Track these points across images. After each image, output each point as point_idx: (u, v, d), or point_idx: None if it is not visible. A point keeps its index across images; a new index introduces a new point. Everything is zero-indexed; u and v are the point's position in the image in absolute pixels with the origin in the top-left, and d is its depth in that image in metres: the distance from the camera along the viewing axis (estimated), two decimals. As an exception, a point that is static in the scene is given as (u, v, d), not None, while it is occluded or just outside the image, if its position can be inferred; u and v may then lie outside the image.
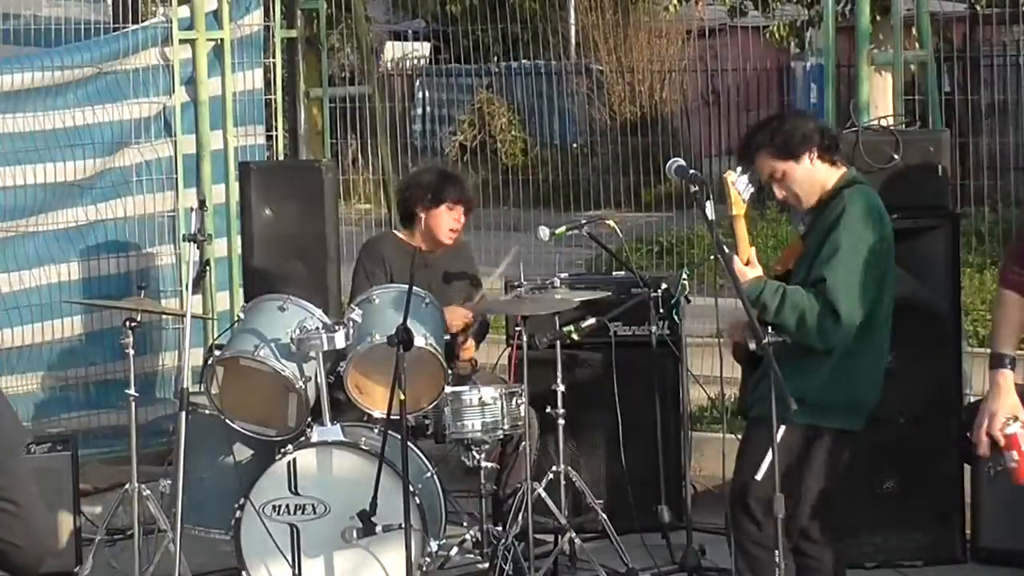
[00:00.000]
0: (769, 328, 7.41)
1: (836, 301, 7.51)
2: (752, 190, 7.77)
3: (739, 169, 7.76)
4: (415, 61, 23.96)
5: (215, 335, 10.66)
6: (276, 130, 12.74)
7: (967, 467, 9.80)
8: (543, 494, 9.56)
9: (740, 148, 8.08)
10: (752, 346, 7.43)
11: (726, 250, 7.74)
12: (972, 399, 10.23)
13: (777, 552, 7.19)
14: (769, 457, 7.35)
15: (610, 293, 10.18)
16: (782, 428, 7.41)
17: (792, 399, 7.13)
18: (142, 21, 12.28)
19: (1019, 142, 16.12)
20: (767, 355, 7.25)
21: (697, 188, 7.66)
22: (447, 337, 9.57)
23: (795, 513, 7.69)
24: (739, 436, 10.07)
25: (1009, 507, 9.62)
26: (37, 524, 3.63)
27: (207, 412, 9.53)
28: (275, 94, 12.70)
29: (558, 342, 9.70)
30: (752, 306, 7.46)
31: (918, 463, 9.39)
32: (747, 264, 7.63)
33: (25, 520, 3.55)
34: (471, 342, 10.17)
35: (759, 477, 7.40)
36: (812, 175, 7.84)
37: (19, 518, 3.55)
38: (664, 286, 10.23)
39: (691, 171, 7.87)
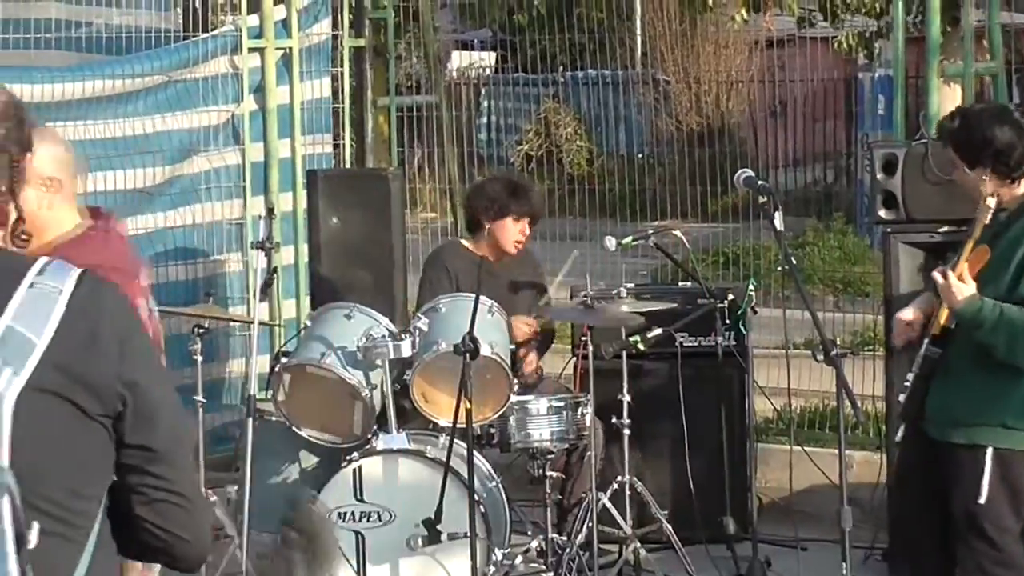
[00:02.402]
0: (924, 341, 7.49)
1: None
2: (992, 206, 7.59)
3: (994, 199, 7.54)
4: (481, 70, 24.00)
5: (282, 342, 10.76)
6: (343, 138, 12.74)
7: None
8: (608, 504, 9.58)
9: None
10: (820, 357, 7.43)
11: (793, 261, 7.75)
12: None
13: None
14: (986, 479, 7.41)
15: (676, 304, 10.17)
16: (988, 451, 7.47)
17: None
18: (211, 30, 12.30)
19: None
20: (838, 368, 7.31)
21: (765, 199, 7.65)
22: (512, 347, 9.58)
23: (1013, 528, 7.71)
24: (805, 448, 10.13)
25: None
26: (202, 517, 3.67)
27: (273, 419, 9.58)
28: (342, 103, 12.70)
29: (624, 352, 9.72)
30: (967, 321, 7.39)
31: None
32: (961, 275, 7.41)
33: (191, 513, 3.57)
34: (533, 355, 10.22)
35: (983, 500, 7.41)
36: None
37: (186, 511, 3.56)
38: (731, 297, 10.24)
39: (760, 182, 7.86)
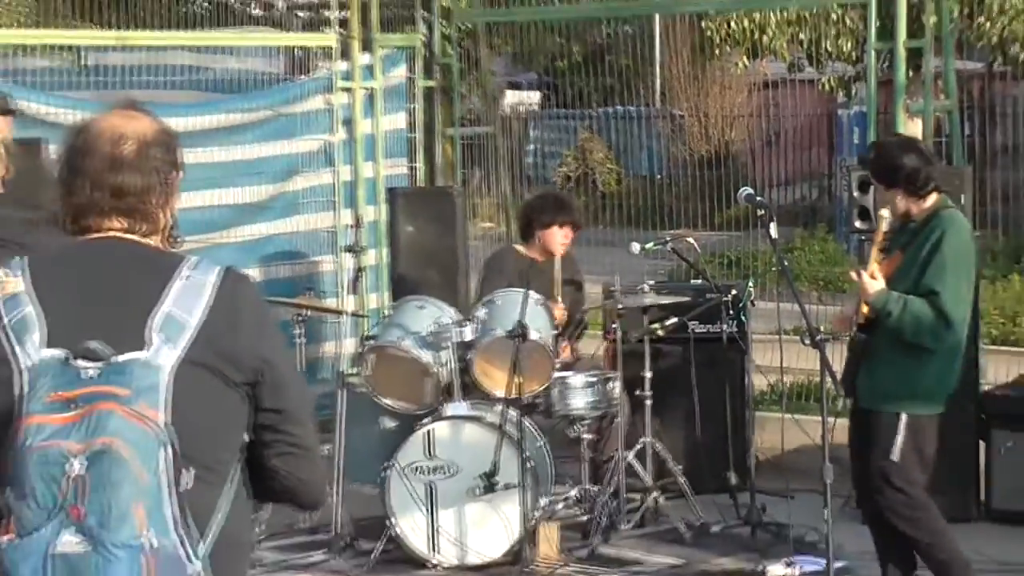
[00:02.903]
0: (854, 328, 7.58)
1: (948, 310, 7.45)
2: (891, 221, 7.72)
3: (887, 209, 7.67)
4: (529, 106, 24.02)
5: (367, 328, 10.74)
6: (417, 162, 12.78)
7: (982, 443, 9.81)
8: (633, 461, 9.53)
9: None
10: (807, 341, 7.42)
11: (785, 263, 7.69)
12: (986, 387, 10.17)
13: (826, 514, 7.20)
14: (899, 441, 7.49)
15: (688, 297, 10.14)
16: (902, 417, 7.55)
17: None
18: (310, 73, 12.36)
19: (1024, 179, 16.08)
20: (822, 351, 7.31)
21: (762, 212, 7.65)
22: (555, 332, 9.53)
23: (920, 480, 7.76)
24: (794, 416, 10.08)
25: (1016, 476, 9.65)
26: (321, 466, 3.82)
27: (360, 390, 9.59)
28: (416, 133, 12.74)
29: (646, 337, 9.69)
30: (879, 311, 7.48)
31: (942, 439, 9.27)
32: (872, 275, 7.53)
33: (313, 462, 3.73)
34: (567, 343, 10.16)
35: (895, 458, 7.44)
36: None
37: (309, 461, 3.71)
38: (733, 292, 10.17)
39: (757, 198, 7.86)
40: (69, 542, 3.21)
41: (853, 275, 7.66)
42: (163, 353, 3.39)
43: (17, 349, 3.39)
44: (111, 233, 3.63)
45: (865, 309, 7.54)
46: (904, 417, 7.53)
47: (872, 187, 8.63)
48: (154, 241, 3.68)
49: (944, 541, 7.71)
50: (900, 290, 7.53)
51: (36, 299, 3.47)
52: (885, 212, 7.66)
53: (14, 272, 3.54)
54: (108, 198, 3.60)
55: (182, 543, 3.31)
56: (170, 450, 3.31)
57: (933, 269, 7.49)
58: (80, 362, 3.32)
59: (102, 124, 3.68)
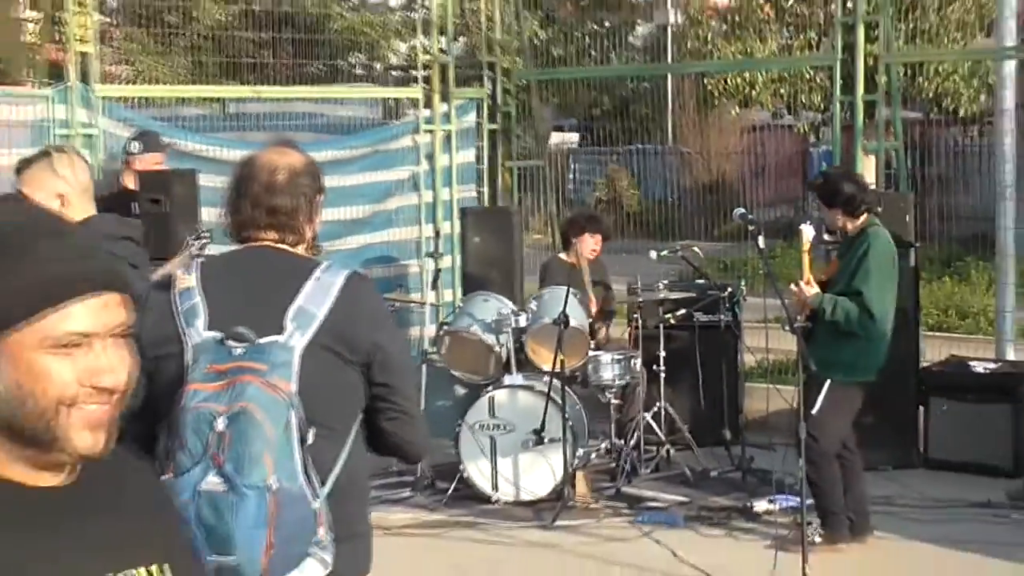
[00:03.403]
0: (799, 317, 7.57)
1: (871, 306, 7.56)
2: (813, 235, 7.81)
3: (808, 223, 7.80)
4: (569, 145, 23.89)
5: (444, 317, 10.75)
6: (482, 187, 12.75)
7: (921, 408, 9.85)
8: (650, 420, 9.60)
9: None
10: (787, 328, 7.52)
11: (769, 267, 7.79)
12: (925, 364, 10.22)
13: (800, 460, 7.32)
14: (819, 401, 7.58)
15: (694, 294, 10.18)
16: (827, 383, 7.63)
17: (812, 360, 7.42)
18: (401, 119, 12.39)
19: (956, 201, 16.09)
20: (799, 337, 7.38)
21: (752, 227, 7.66)
22: (590, 320, 9.57)
23: (843, 435, 7.84)
24: (776, 386, 10.14)
25: (948, 433, 9.68)
26: (422, 428, 3.79)
27: (438, 365, 9.65)
28: (482, 165, 12.71)
29: (660, 324, 9.73)
30: (817, 309, 7.62)
31: (892, 404, 9.37)
32: (808, 283, 7.65)
33: (415, 425, 3.59)
34: (603, 328, 10.17)
35: (814, 412, 7.49)
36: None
37: (412, 424, 3.59)
38: (729, 290, 10.22)
39: (749, 216, 7.88)
40: (212, 482, 3.29)
41: (793, 287, 7.69)
42: (295, 338, 3.42)
43: (187, 330, 3.47)
44: (265, 243, 3.69)
45: (807, 306, 7.65)
46: (828, 383, 7.61)
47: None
48: (300, 249, 3.71)
49: (832, 491, 7.77)
50: (838, 289, 7.66)
51: (202, 292, 3.53)
52: (804, 228, 7.73)
53: (188, 272, 3.61)
54: (264, 216, 3.67)
55: (306, 486, 3.34)
56: (298, 413, 3.34)
57: (860, 274, 7.61)
58: (231, 342, 3.39)
59: (262, 158, 3.75)
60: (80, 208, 5.41)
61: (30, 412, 1.72)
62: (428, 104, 12.22)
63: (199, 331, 3.47)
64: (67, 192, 5.44)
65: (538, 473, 8.93)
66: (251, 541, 3.30)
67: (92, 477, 1.82)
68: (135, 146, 9.33)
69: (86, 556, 1.78)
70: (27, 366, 1.73)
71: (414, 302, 11.54)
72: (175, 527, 1.96)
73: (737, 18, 20.86)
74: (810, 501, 7.48)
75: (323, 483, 3.41)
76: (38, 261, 1.75)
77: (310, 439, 3.37)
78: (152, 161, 9.22)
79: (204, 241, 7.21)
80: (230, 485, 3.28)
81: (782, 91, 19.95)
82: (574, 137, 23.05)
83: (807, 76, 18.87)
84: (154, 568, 1.85)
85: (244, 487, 3.27)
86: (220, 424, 3.29)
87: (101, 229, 5.39)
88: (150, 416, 3.46)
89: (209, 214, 8.60)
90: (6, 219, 1.81)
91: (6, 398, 1.72)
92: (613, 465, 9.38)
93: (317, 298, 3.50)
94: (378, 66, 19.55)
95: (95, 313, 1.77)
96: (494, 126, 12.93)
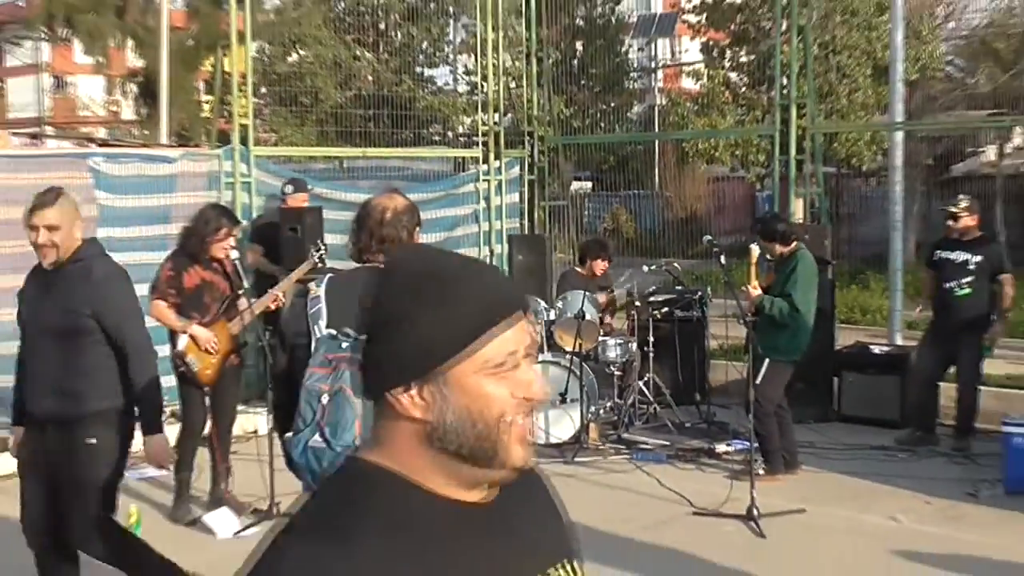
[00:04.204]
0: (748, 313, 7.50)
1: (797, 305, 7.52)
2: (759, 253, 7.76)
3: (755, 245, 7.74)
4: (585, 190, 23.98)
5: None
6: (524, 220, 12.76)
7: (836, 378, 9.74)
8: (642, 387, 9.52)
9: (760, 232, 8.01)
10: (740, 321, 7.50)
11: (733, 279, 7.75)
12: (838, 347, 10.12)
13: (749, 416, 7.25)
14: (762, 373, 7.53)
15: (674, 296, 10.13)
16: (767, 360, 7.60)
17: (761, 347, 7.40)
18: (466, 171, 12.40)
19: (861, 231, 16.05)
20: (748, 327, 7.34)
21: (717, 249, 7.64)
22: (600, 314, 9.53)
23: (779, 398, 7.75)
24: (733, 363, 10.09)
25: (855, 396, 9.59)
26: None
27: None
28: (524, 204, 12.72)
29: (650, 318, 9.69)
30: (759, 307, 7.53)
31: (814, 375, 9.30)
32: (754, 288, 7.59)
33: None
34: (609, 318, 10.08)
35: (758, 382, 7.42)
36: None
37: None
38: (699, 294, 10.18)
39: (714, 241, 7.86)
40: (317, 441, 3.27)
41: (744, 291, 7.64)
42: None
43: (314, 328, 3.46)
44: (375, 263, 3.64)
45: (752, 306, 7.58)
46: (767, 361, 7.57)
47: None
48: None
49: (772, 438, 7.69)
50: (775, 293, 7.59)
51: (326, 300, 3.51)
52: (752, 247, 7.69)
53: (317, 284, 3.59)
54: (376, 244, 3.65)
55: None
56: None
57: (791, 283, 7.56)
58: (340, 338, 3.35)
59: (375, 201, 3.76)
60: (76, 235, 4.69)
61: (479, 433, 1.45)
62: (485, 161, 12.20)
63: (321, 329, 3.44)
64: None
65: (562, 423, 8.89)
66: None
67: (506, 491, 1.54)
68: (289, 188, 9.48)
69: (519, 559, 1.54)
70: (474, 391, 1.44)
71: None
72: (570, 526, 1.71)
73: (705, 100, 20.83)
74: (756, 445, 7.43)
75: None
76: (471, 293, 1.45)
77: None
78: (300, 199, 9.39)
79: (321, 252, 7.32)
80: (328, 444, 3.26)
81: (737, 152, 19.90)
82: (588, 185, 23.01)
83: (755, 142, 18.82)
84: (567, 564, 1.62)
85: (338, 446, 3.25)
86: (324, 399, 3.27)
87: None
88: (288, 384, 3.50)
89: (329, 238, 8.65)
90: (427, 261, 1.50)
91: (457, 425, 1.44)
92: (616, 418, 9.35)
93: None
94: (450, 134, 19.66)
95: (518, 333, 1.49)
96: (532, 177, 12.91)
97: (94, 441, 4.61)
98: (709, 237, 8.00)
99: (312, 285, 3.59)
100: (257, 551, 1.40)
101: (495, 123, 12.30)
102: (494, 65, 12.47)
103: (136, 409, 4.77)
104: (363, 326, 1.48)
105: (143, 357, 4.72)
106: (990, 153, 20.56)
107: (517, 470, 1.50)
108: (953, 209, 8.69)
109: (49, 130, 26.18)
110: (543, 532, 1.61)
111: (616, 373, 9.49)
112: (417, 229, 3.79)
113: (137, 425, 4.83)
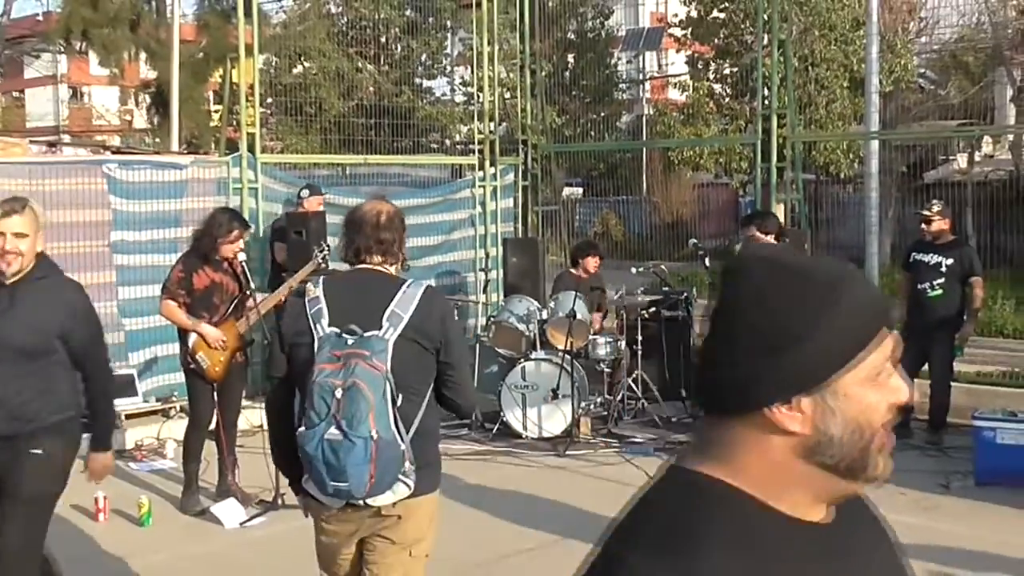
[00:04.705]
0: None
1: None
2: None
3: (738, 246, 7.78)
4: (576, 195, 23.96)
5: (491, 312, 10.70)
6: (518, 224, 12.66)
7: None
8: (631, 383, 9.48)
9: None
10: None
11: (712, 279, 7.73)
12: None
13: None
14: None
15: (661, 296, 10.08)
16: None
17: None
18: (463, 178, 12.34)
19: (838, 235, 16.04)
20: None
21: (701, 252, 7.64)
22: (590, 314, 9.46)
23: None
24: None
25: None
26: (472, 393, 3.69)
27: (487, 345, 9.53)
28: (518, 209, 12.63)
29: (638, 317, 9.66)
30: None
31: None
32: None
33: (467, 391, 3.52)
34: (598, 317, 10.03)
35: None
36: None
37: (465, 390, 3.54)
38: (685, 294, 10.12)
39: (699, 244, 7.85)
40: (333, 434, 3.28)
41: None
42: (389, 332, 3.39)
43: (315, 326, 3.42)
44: (371, 264, 3.62)
45: None
46: None
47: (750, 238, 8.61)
48: (394, 269, 3.65)
49: None
50: None
51: (325, 299, 3.47)
52: (736, 248, 7.73)
53: (315, 285, 3.55)
54: (375, 245, 3.62)
55: (396, 434, 3.33)
56: (391, 384, 3.33)
57: None
58: (345, 335, 3.36)
59: (368, 206, 3.70)
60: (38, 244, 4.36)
61: (861, 444, 1.31)
62: (481, 168, 12.14)
63: (324, 327, 3.41)
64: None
65: (554, 418, 8.84)
66: (359, 473, 3.32)
67: (842, 509, 1.40)
68: (305, 192, 9.50)
69: None
70: (860, 401, 1.30)
71: (471, 302, 11.52)
72: (898, 545, 1.51)
73: (690, 111, 20.81)
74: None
75: (408, 431, 3.38)
76: (855, 301, 1.29)
77: (399, 402, 3.37)
78: (316, 202, 9.44)
79: (324, 253, 7.31)
80: (345, 436, 3.28)
81: (721, 160, 19.90)
82: (579, 191, 23.00)
83: (738, 150, 18.80)
84: None
85: (354, 437, 3.27)
86: (338, 394, 3.28)
87: None
88: (289, 383, 3.49)
89: (333, 240, 8.63)
90: (796, 265, 1.33)
91: (843, 436, 1.30)
92: (605, 413, 9.29)
93: (404, 304, 3.46)
94: (447, 142, 19.64)
95: (890, 338, 1.34)
96: (525, 183, 12.84)
97: (40, 452, 4.22)
98: (695, 240, 8.01)
99: (309, 286, 3.57)
100: (594, 562, 1.32)
101: (490, 132, 12.25)
102: (489, 77, 12.43)
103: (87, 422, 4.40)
104: (715, 337, 1.32)
105: (104, 375, 4.44)
106: (961, 161, 20.58)
107: (879, 482, 1.36)
108: (926, 213, 8.68)
109: (66, 138, 26.08)
110: (876, 551, 1.48)
111: (606, 370, 9.44)
112: (404, 232, 3.75)
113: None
